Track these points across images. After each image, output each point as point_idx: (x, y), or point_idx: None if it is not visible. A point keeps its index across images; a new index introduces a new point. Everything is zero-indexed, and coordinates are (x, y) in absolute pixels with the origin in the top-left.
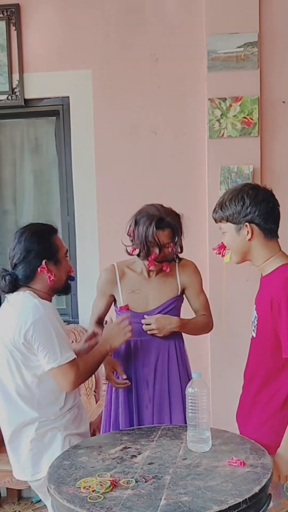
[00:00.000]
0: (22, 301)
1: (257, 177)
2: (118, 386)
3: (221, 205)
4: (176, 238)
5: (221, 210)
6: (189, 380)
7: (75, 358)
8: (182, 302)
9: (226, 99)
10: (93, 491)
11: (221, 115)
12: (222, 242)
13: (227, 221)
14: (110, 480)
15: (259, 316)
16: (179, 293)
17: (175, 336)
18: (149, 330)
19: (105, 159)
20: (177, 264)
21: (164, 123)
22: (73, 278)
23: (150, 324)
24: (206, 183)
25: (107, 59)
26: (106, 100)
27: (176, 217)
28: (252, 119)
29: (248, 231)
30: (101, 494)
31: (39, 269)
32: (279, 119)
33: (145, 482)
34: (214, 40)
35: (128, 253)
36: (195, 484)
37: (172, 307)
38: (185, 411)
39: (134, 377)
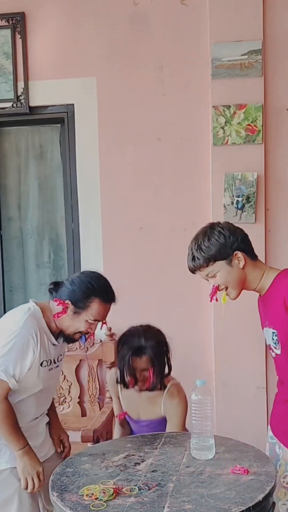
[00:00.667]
0: (19, 309)
1: (261, 184)
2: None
3: (200, 250)
4: (156, 363)
5: (202, 254)
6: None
7: (5, 383)
8: None
9: (230, 106)
10: (96, 498)
11: (225, 122)
12: (213, 286)
13: (215, 260)
14: (113, 488)
15: (279, 331)
16: (162, 415)
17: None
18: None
19: (109, 166)
20: (166, 389)
21: (168, 130)
22: (84, 339)
23: None
24: (210, 190)
25: (111, 67)
26: (110, 108)
27: (158, 340)
28: (256, 127)
29: (238, 259)
30: (104, 501)
31: (60, 303)
32: (283, 127)
33: (148, 489)
34: (218, 48)
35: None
36: (198, 492)
37: (160, 425)
38: None
39: None
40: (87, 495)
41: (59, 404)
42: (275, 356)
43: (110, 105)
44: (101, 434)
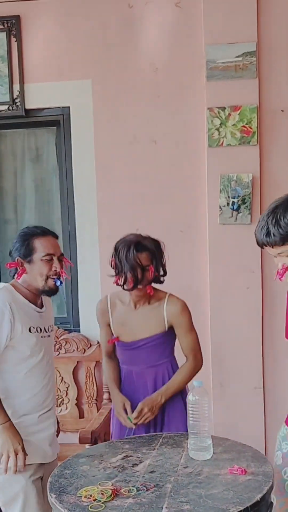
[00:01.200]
0: None
1: (256, 185)
2: (126, 424)
3: (277, 226)
4: (155, 261)
5: (280, 230)
6: (183, 395)
7: None
8: (175, 338)
9: (225, 108)
10: (94, 500)
11: (220, 124)
12: (284, 265)
13: (285, 242)
14: (111, 489)
15: None
16: (166, 329)
17: (167, 360)
18: (144, 418)
19: (105, 168)
20: (165, 299)
21: (164, 132)
22: (59, 282)
23: (142, 416)
24: (206, 191)
25: (107, 69)
26: (106, 110)
27: (154, 242)
28: (251, 128)
29: None
30: (103, 503)
31: (12, 264)
32: (278, 128)
33: (147, 490)
34: (213, 50)
35: (115, 284)
36: (196, 492)
37: (160, 341)
38: (183, 417)
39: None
40: (85, 497)
41: (57, 406)
42: None
43: (105, 107)
44: (99, 436)
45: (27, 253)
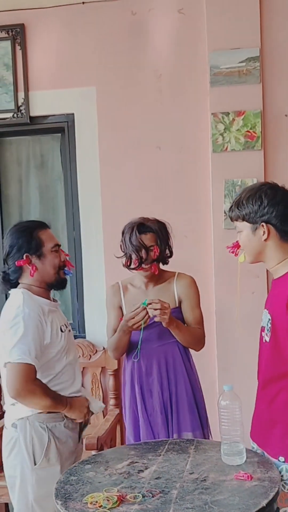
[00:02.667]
0: (12, 298)
1: None
2: (139, 316)
3: (237, 204)
4: (160, 241)
5: (238, 208)
6: (196, 381)
7: (31, 365)
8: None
9: (229, 113)
10: (100, 506)
11: (224, 129)
12: (237, 241)
13: (243, 220)
14: (117, 495)
15: (273, 319)
16: (176, 305)
17: (172, 345)
18: (155, 310)
19: (110, 174)
20: (175, 277)
21: (168, 138)
22: (68, 272)
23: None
24: (210, 196)
25: (110, 76)
26: (110, 117)
27: (159, 223)
28: (255, 133)
29: (264, 231)
30: (108, 509)
31: (21, 262)
32: (282, 133)
33: (152, 497)
34: (216, 55)
35: (124, 266)
36: (202, 498)
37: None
38: (193, 413)
39: (140, 386)
40: (91, 503)
41: None
42: (265, 342)
43: (109, 114)
44: (105, 442)
45: (37, 247)
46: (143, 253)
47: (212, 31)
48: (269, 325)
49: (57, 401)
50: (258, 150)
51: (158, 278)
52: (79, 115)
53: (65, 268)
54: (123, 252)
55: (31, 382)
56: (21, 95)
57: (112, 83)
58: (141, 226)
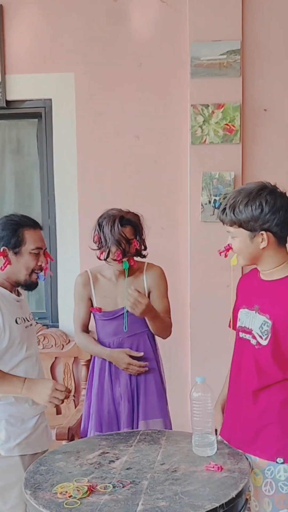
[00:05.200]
0: None
1: (238, 183)
2: (141, 370)
3: (233, 208)
4: (138, 235)
5: (234, 214)
6: (162, 370)
7: None
8: None
9: (208, 105)
10: (69, 496)
11: (203, 121)
12: (229, 245)
13: (239, 226)
14: (87, 486)
15: (275, 323)
16: (146, 296)
17: (147, 329)
18: (132, 303)
19: (87, 162)
20: (144, 267)
21: (147, 128)
22: (40, 277)
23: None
24: (188, 188)
25: (90, 63)
26: (88, 104)
27: (135, 216)
28: (234, 126)
29: (263, 239)
30: (78, 499)
31: None
32: (261, 127)
33: (123, 487)
34: (197, 47)
35: (98, 258)
36: (172, 489)
37: None
38: (162, 401)
39: (109, 376)
40: (60, 493)
41: None
42: (256, 345)
43: (88, 101)
44: (76, 432)
45: (16, 244)
46: (125, 245)
47: (194, 22)
48: (266, 329)
49: (8, 380)
50: (237, 143)
51: (131, 268)
52: (57, 101)
53: (40, 273)
54: (98, 244)
55: None
56: None
57: (92, 70)
58: (122, 218)
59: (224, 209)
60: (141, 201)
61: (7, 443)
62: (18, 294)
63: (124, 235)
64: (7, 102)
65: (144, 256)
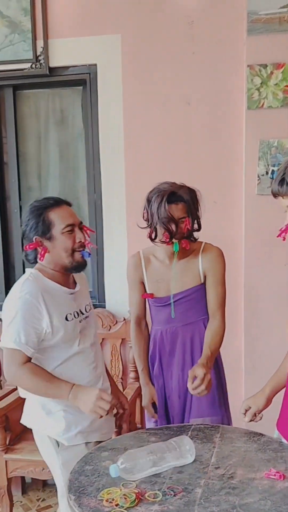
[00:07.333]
0: (20, 278)
1: None
2: (153, 416)
3: None
4: (191, 213)
5: None
6: (220, 361)
7: (18, 351)
8: None
9: (267, 65)
10: (116, 505)
11: (261, 83)
12: None
13: None
14: (135, 493)
15: None
16: (202, 281)
17: (202, 318)
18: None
19: (134, 132)
20: (201, 248)
21: (198, 93)
22: (84, 254)
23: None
24: (243, 158)
25: (137, 23)
26: (136, 68)
27: (190, 191)
28: None
29: None
30: (125, 509)
31: (31, 246)
32: None
33: (174, 495)
34: (255, 0)
35: (148, 238)
36: (229, 500)
37: (196, 296)
38: (222, 403)
39: (160, 366)
40: (107, 500)
41: None
42: None
43: (136, 65)
44: (126, 419)
45: (45, 229)
46: (172, 226)
47: None
48: None
49: (55, 385)
50: None
51: (183, 250)
52: (102, 66)
53: (83, 249)
54: (147, 222)
55: (17, 367)
56: (40, 43)
57: (139, 31)
58: (172, 195)
59: (283, 179)
60: (192, 173)
61: (68, 432)
62: (75, 283)
63: (171, 214)
64: (50, 69)
65: (195, 240)
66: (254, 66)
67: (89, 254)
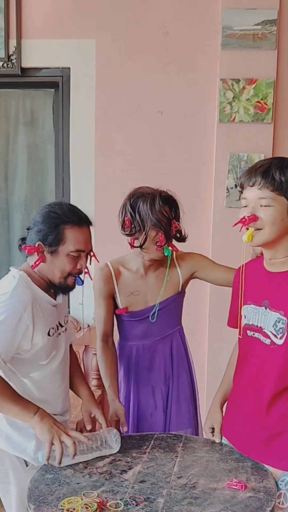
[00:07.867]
0: (6, 279)
1: None
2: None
3: (278, 171)
4: (176, 216)
5: (279, 177)
6: (194, 371)
7: None
8: (184, 296)
9: (239, 80)
10: None
11: (233, 97)
12: (253, 215)
13: (283, 194)
14: (97, 502)
15: None
16: (180, 290)
17: (177, 328)
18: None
19: (106, 138)
20: (174, 257)
21: (171, 103)
22: (80, 282)
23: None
24: (213, 171)
25: (112, 29)
26: (110, 74)
27: (170, 196)
28: (266, 104)
29: None
30: None
31: (31, 250)
32: None
33: (136, 505)
34: (230, 15)
35: (131, 246)
36: (191, 510)
37: (174, 305)
38: (196, 414)
39: (136, 383)
40: (67, 510)
41: None
42: (271, 345)
43: (109, 71)
44: (85, 427)
45: (53, 242)
46: (168, 227)
47: None
48: (282, 326)
49: (20, 405)
50: (268, 123)
51: (161, 259)
52: (76, 70)
53: (78, 276)
54: (132, 230)
55: None
56: (12, 42)
57: (114, 37)
58: (160, 196)
59: (266, 171)
60: (162, 183)
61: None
62: (55, 296)
63: (166, 215)
64: (22, 69)
65: (184, 239)
66: (227, 80)
67: (82, 283)
